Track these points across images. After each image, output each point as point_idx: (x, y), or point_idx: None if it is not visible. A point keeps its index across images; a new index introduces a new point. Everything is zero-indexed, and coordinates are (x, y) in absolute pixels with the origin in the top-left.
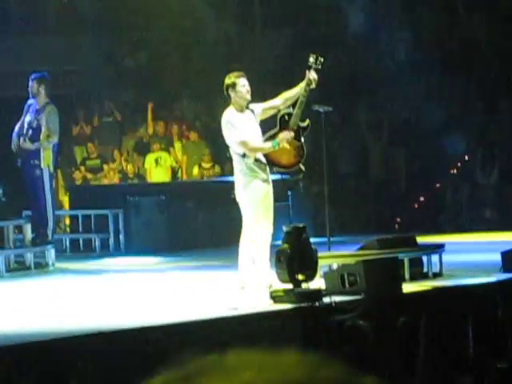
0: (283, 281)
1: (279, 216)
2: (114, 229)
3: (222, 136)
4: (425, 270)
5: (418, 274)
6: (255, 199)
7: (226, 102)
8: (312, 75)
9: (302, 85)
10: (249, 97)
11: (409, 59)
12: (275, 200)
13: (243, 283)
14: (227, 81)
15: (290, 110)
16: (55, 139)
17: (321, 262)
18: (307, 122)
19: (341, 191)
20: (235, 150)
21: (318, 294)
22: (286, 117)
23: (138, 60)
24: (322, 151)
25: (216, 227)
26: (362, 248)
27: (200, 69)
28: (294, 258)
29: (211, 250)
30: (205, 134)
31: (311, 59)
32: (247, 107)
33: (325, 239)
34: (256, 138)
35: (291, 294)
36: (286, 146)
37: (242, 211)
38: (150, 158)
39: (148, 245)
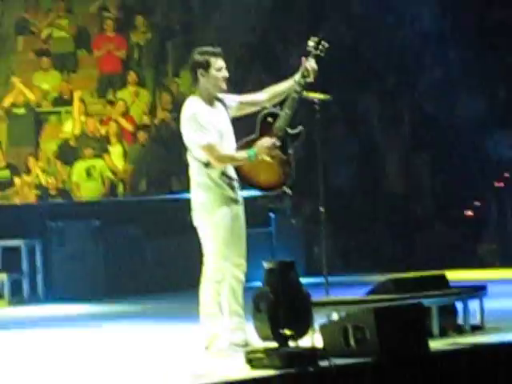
0: (264, 337)
1: (258, 247)
2: (30, 266)
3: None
4: (459, 321)
5: (451, 327)
6: (220, 224)
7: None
8: (310, 64)
9: (296, 77)
10: (224, 86)
11: (434, 29)
12: (251, 225)
13: (208, 341)
14: (198, 57)
15: (276, 109)
16: None
17: (316, 311)
18: (299, 128)
19: (343, 212)
20: (196, 156)
21: (311, 356)
22: (270, 118)
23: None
24: (316, 157)
25: (168, 263)
26: (372, 291)
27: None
28: (278, 305)
29: (162, 294)
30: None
31: (311, 43)
32: (217, 98)
33: (321, 279)
34: (227, 142)
35: (275, 356)
36: (267, 158)
37: (201, 240)
38: (78, 168)
39: (76, 288)
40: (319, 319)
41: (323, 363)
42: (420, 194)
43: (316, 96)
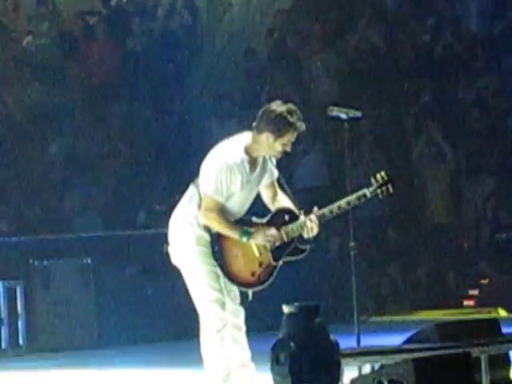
0: None
1: (278, 289)
2: (9, 314)
3: None
4: None
5: (504, 381)
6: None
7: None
8: (312, 225)
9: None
10: (277, 158)
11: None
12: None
13: None
14: (278, 121)
15: (299, 213)
16: None
17: (345, 363)
18: (307, 246)
19: (377, 246)
20: (201, 190)
21: None
22: (287, 216)
23: None
24: (345, 180)
25: (174, 306)
26: (412, 339)
27: None
28: (300, 356)
29: (167, 343)
30: None
31: (376, 181)
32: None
33: (352, 326)
34: (234, 207)
35: None
36: (256, 250)
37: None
38: None
39: (63, 338)
40: (349, 372)
41: None
42: (471, 223)
43: (343, 111)
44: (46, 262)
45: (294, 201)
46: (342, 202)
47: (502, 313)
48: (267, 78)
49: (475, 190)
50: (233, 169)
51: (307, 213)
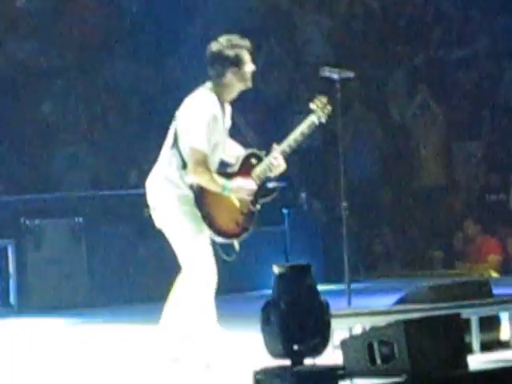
0: (274, 354)
1: (269, 249)
2: (1, 271)
3: None
4: (504, 335)
5: (494, 343)
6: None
7: None
8: (278, 161)
9: (264, 165)
10: (251, 83)
11: None
12: (261, 223)
13: (206, 358)
14: (229, 52)
15: (262, 154)
16: None
17: (335, 324)
18: (275, 185)
19: (369, 208)
20: (181, 150)
21: (330, 376)
22: (254, 160)
23: None
24: (337, 144)
25: (165, 266)
26: (403, 300)
27: None
28: (291, 317)
29: (158, 303)
30: None
31: (314, 106)
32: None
33: (342, 286)
34: (217, 155)
35: (287, 376)
36: (236, 200)
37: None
38: None
39: (55, 297)
40: (340, 333)
41: None
42: (466, 186)
43: (335, 72)
44: (37, 222)
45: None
46: (297, 134)
47: (494, 274)
48: (262, 39)
49: (466, 153)
50: (215, 116)
51: (267, 152)
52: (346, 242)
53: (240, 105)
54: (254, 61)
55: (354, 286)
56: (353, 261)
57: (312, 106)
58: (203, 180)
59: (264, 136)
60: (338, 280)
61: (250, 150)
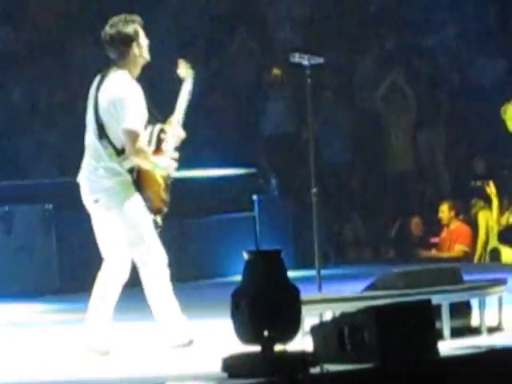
0: (244, 340)
1: (239, 234)
2: None
3: None
4: (474, 321)
5: (464, 329)
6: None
7: None
8: (176, 131)
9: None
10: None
11: None
12: (231, 209)
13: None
14: (126, 29)
15: (163, 126)
16: None
17: (306, 310)
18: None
19: (338, 193)
20: (112, 139)
21: (301, 362)
22: (162, 135)
23: None
24: (307, 128)
25: None
26: (373, 286)
27: None
28: (261, 302)
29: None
30: None
31: (182, 70)
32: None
33: (312, 272)
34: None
35: (257, 362)
36: (159, 178)
37: (121, 228)
38: None
39: (23, 284)
40: (310, 319)
41: (314, 370)
42: (434, 174)
43: (305, 57)
44: (7, 208)
45: None
46: (182, 100)
47: (460, 247)
48: (230, 26)
49: (434, 139)
50: (139, 94)
51: (164, 123)
52: (316, 227)
53: (211, 92)
54: (224, 48)
55: (324, 272)
56: (323, 247)
57: (181, 72)
58: (142, 158)
59: (239, 122)
60: (308, 266)
61: (159, 126)
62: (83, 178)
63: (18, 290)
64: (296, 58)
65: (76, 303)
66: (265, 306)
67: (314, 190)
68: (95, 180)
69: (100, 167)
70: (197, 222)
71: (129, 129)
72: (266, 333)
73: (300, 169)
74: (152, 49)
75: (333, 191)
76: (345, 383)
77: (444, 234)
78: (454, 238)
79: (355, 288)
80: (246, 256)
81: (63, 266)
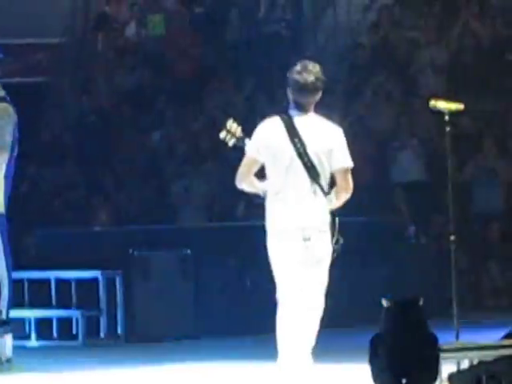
0: None
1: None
2: (108, 302)
3: None
4: None
5: None
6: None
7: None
8: None
9: None
10: None
11: None
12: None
13: None
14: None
15: None
16: (5, 156)
17: (443, 358)
18: None
19: (478, 239)
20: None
21: None
22: None
23: None
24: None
25: (273, 299)
26: (511, 335)
27: None
28: (399, 350)
29: (269, 336)
30: None
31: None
32: None
33: (451, 321)
34: None
35: None
36: None
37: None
38: None
39: (161, 329)
40: (447, 367)
41: None
42: None
43: (446, 106)
44: (145, 253)
45: None
46: None
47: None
48: (370, 73)
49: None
50: None
51: None
52: (454, 276)
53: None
54: (362, 93)
55: (461, 320)
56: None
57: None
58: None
59: (375, 168)
60: (446, 314)
61: None
62: (311, 212)
63: (154, 334)
64: (436, 105)
65: (214, 348)
66: (403, 354)
67: (453, 238)
68: (323, 215)
69: (321, 202)
70: None
71: (350, 167)
72: (403, 380)
73: (438, 216)
74: None
75: (474, 239)
76: None
77: None
78: None
79: (493, 336)
80: (384, 303)
81: (200, 311)
